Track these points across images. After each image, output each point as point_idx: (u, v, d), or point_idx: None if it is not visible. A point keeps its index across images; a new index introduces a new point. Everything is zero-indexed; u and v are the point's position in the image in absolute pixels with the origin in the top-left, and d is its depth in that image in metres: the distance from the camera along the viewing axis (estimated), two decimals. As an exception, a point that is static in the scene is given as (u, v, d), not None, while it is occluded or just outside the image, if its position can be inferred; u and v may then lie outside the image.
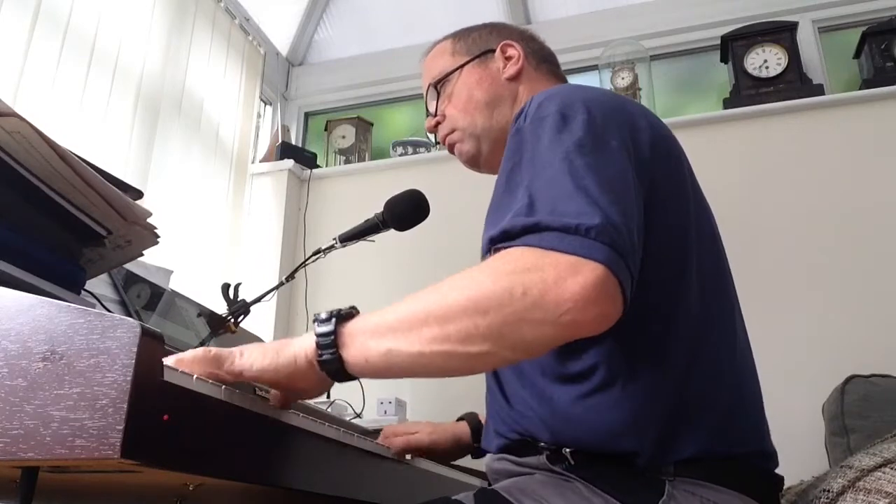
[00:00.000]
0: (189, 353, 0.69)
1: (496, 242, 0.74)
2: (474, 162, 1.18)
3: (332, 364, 0.72)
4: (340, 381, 0.74)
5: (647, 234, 0.82)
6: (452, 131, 1.17)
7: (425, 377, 0.74)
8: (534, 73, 1.16)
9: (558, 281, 0.67)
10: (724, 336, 0.89)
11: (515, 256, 0.71)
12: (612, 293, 0.68)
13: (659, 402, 0.81)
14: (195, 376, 0.62)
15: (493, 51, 1.16)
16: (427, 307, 0.71)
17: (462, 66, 1.17)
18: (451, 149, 1.19)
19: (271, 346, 0.74)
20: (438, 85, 1.19)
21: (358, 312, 0.76)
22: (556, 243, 0.69)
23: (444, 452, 1.27)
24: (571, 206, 0.71)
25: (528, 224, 0.71)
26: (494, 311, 0.68)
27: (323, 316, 0.74)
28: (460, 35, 1.22)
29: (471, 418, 1.31)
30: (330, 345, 0.72)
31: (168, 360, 0.62)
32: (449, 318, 0.69)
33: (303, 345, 0.73)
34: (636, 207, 0.79)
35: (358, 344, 0.72)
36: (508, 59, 1.15)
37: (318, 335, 0.73)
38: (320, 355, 0.72)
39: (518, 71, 1.14)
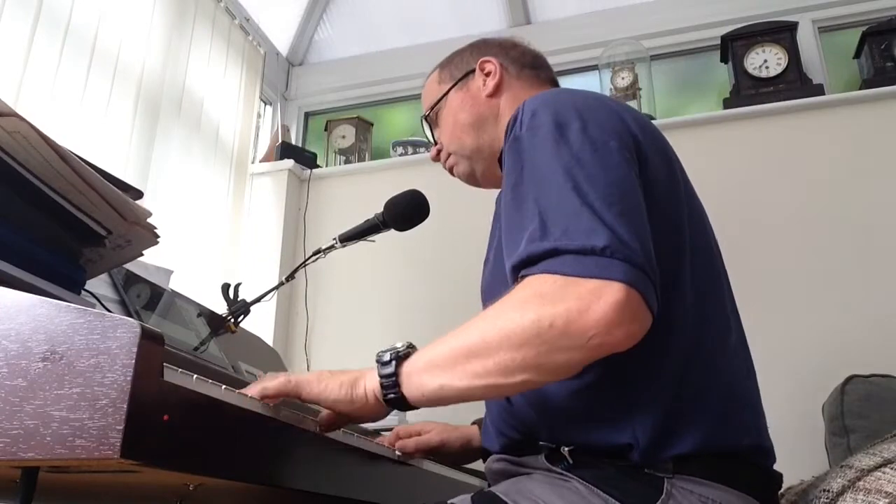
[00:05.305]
0: (273, 384, 0.79)
1: (519, 270, 0.77)
2: (473, 181, 1.23)
3: (396, 401, 0.82)
4: (403, 410, 0.84)
5: None
6: (449, 156, 1.22)
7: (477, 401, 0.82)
8: (515, 82, 1.17)
9: (581, 309, 0.70)
10: (718, 331, 0.90)
11: (538, 286, 0.74)
12: (635, 310, 0.71)
13: (655, 397, 0.82)
14: (195, 376, 0.62)
15: (474, 71, 1.18)
16: (468, 344, 0.77)
17: (446, 93, 1.21)
18: (451, 172, 1.24)
19: (346, 380, 0.85)
20: (429, 116, 1.24)
21: (414, 349, 0.84)
22: (575, 268, 0.72)
23: (454, 454, 1.26)
24: (582, 223, 0.74)
25: (546, 249, 0.74)
26: (527, 345, 0.73)
27: (385, 358, 0.83)
28: (445, 63, 1.26)
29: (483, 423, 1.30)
30: (392, 385, 0.82)
31: (251, 392, 0.76)
32: (488, 353, 0.75)
33: (371, 384, 0.83)
34: (641, 210, 0.80)
35: (415, 381, 0.81)
36: (487, 75, 1.17)
37: (382, 376, 0.82)
38: (385, 395, 0.82)
39: (497, 85, 1.16)
